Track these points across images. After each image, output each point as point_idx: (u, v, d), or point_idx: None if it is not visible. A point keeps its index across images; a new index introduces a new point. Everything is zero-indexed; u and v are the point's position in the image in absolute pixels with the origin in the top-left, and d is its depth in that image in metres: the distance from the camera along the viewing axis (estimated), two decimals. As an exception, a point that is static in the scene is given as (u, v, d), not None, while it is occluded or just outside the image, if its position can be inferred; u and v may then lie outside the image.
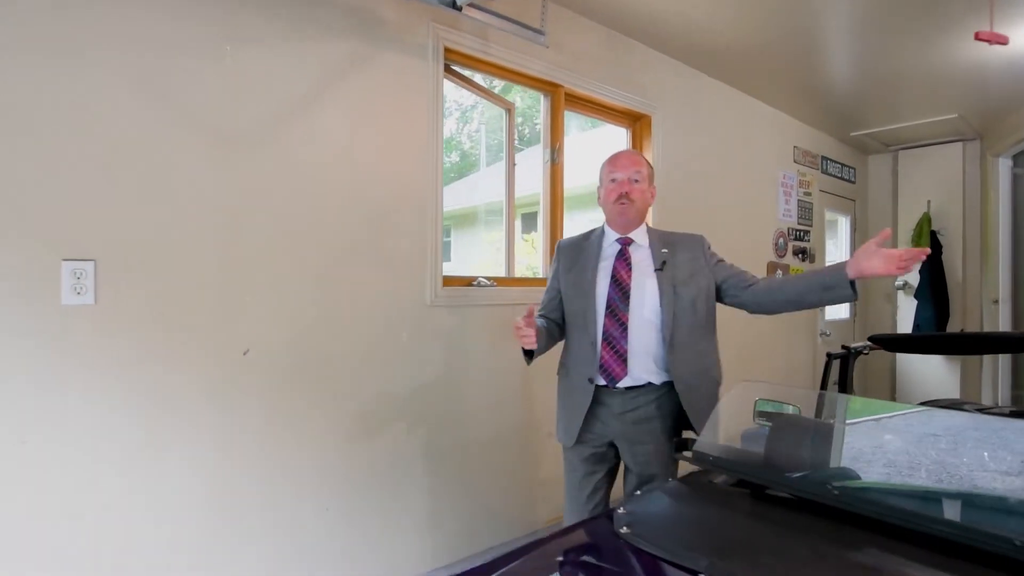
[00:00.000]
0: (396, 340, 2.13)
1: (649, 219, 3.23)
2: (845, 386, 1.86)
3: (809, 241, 4.67)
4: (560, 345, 1.88)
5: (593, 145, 4.35)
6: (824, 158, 4.94)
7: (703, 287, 1.76)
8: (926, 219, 5.12)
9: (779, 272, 4.28)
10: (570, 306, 1.81)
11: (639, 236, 1.81)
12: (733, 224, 3.86)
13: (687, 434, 1.66)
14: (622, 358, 1.71)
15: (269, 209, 1.83)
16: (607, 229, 1.86)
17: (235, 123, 1.77)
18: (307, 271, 1.91)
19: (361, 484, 2.04)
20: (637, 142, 3.22)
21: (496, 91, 2.89)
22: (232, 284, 1.76)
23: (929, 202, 5.14)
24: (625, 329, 1.71)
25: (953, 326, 5.02)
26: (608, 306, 1.73)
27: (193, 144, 1.69)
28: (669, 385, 1.70)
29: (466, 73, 2.53)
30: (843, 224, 5.40)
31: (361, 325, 2.03)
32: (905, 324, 5.28)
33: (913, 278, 5.20)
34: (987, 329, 4.92)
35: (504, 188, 2.72)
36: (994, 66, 3.55)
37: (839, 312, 5.30)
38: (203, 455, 1.71)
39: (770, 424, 1.32)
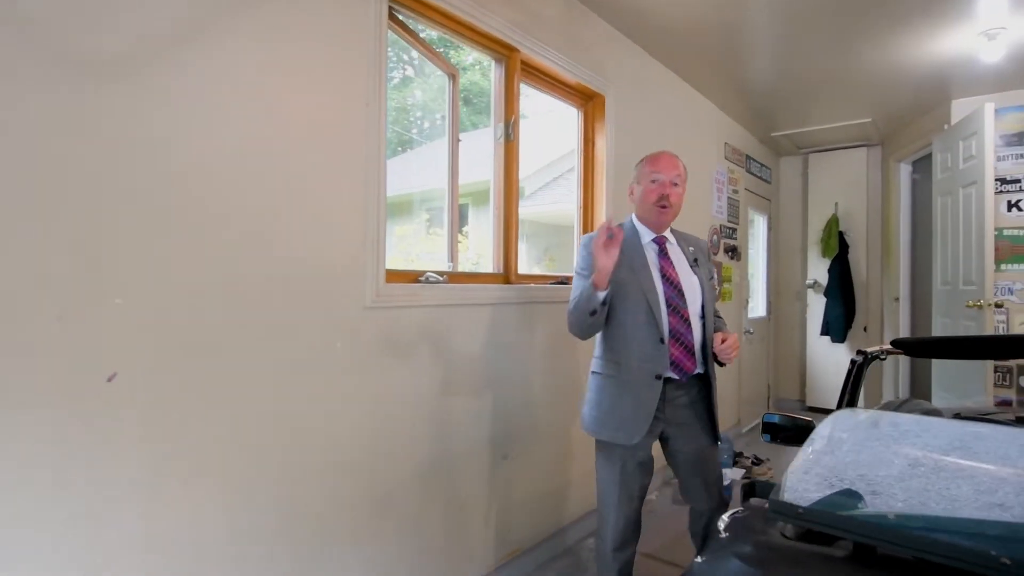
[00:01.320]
0: (327, 352, 1.64)
1: (602, 209, 2.96)
2: (855, 395, 1.67)
3: (736, 239, 4.65)
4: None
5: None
6: (748, 157, 4.96)
7: (712, 289, 1.94)
8: (834, 220, 5.32)
9: (714, 273, 4.19)
10: (626, 305, 1.81)
11: (669, 235, 1.94)
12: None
13: (735, 465, 1.35)
14: (691, 352, 1.80)
15: (147, 172, 1.28)
16: (639, 227, 1.92)
17: (97, 46, 1.20)
18: (201, 263, 1.38)
19: (287, 544, 1.54)
20: (589, 124, 2.92)
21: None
22: (91, 281, 1.20)
23: (837, 204, 5.35)
24: (689, 325, 1.81)
25: (858, 324, 5.27)
26: (669, 305, 1.81)
27: (36, 74, 1.11)
28: (700, 373, 1.85)
29: (411, 25, 2.07)
30: (760, 224, 5.49)
31: (280, 335, 1.52)
32: (815, 322, 5.47)
33: (823, 277, 5.39)
34: (887, 325, 5.21)
35: (447, 169, 2.28)
36: (902, 76, 3.64)
37: (758, 311, 5.38)
38: (57, 529, 1.14)
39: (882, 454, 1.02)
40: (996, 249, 3.52)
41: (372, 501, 1.77)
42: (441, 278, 1.98)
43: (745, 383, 4.80)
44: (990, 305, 3.41)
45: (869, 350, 1.65)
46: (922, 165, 4.97)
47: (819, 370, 5.45)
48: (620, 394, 1.81)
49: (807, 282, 5.55)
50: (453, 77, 2.32)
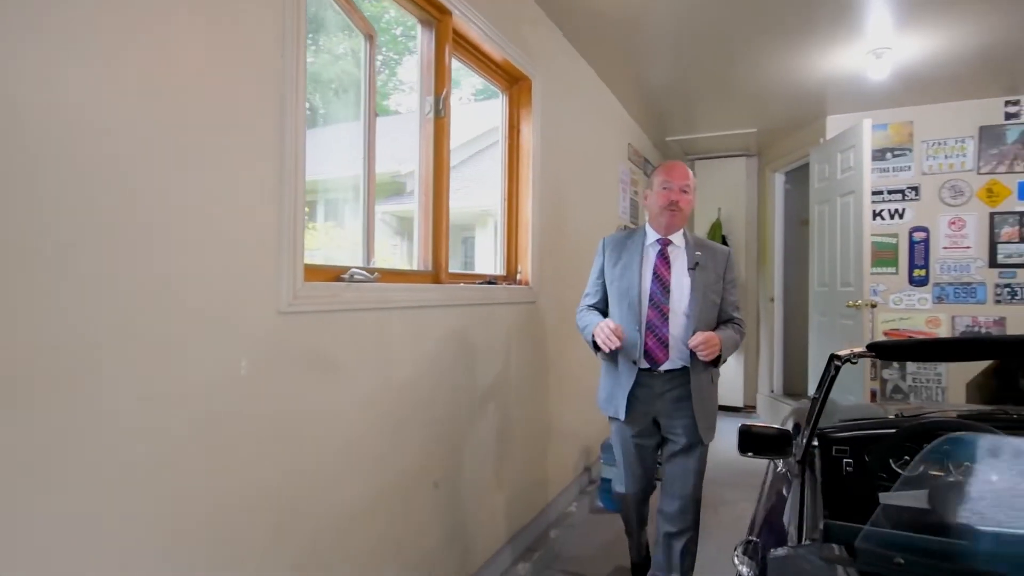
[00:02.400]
0: (226, 378, 1.22)
1: (528, 207, 2.73)
2: (825, 399, 1.60)
3: (636, 240, 4.68)
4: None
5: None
6: (646, 160, 5.03)
7: (717, 293, 2.05)
8: (718, 224, 5.60)
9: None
10: (617, 296, 2.07)
11: (677, 238, 2.07)
12: (588, 215, 3.57)
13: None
14: (664, 344, 2.00)
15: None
16: (648, 229, 2.11)
17: None
18: (32, 262, 0.92)
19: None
20: (514, 109, 2.67)
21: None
22: None
23: (720, 209, 5.63)
24: (666, 319, 2.00)
25: (739, 322, 5.58)
26: (651, 298, 2.01)
27: None
28: (684, 367, 2.02)
29: (326, -40, 1.68)
30: (653, 226, 5.62)
31: (152, 361, 1.09)
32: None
33: (707, 278, 5.64)
34: (763, 324, 5.58)
35: (362, 147, 1.91)
36: (790, 90, 3.86)
37: (652, 310, 5.49)
38: None
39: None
40: (867, 253, 3.84)
41: (293, 554, 1.37)
42: (371, 276, 1.62)
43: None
44: (867, 305, 3.70)
45: (841, 354, 1.59)
46: (794, 176, 5.38)
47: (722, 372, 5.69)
48: (608, 375, 2.13)
49: (693, 283, 5.78)
50: (370, 38, 1.95)
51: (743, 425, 1.57)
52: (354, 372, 1.58)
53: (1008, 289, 3.93)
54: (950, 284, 4.05)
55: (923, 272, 4.11)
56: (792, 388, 5.34)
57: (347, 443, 1.55)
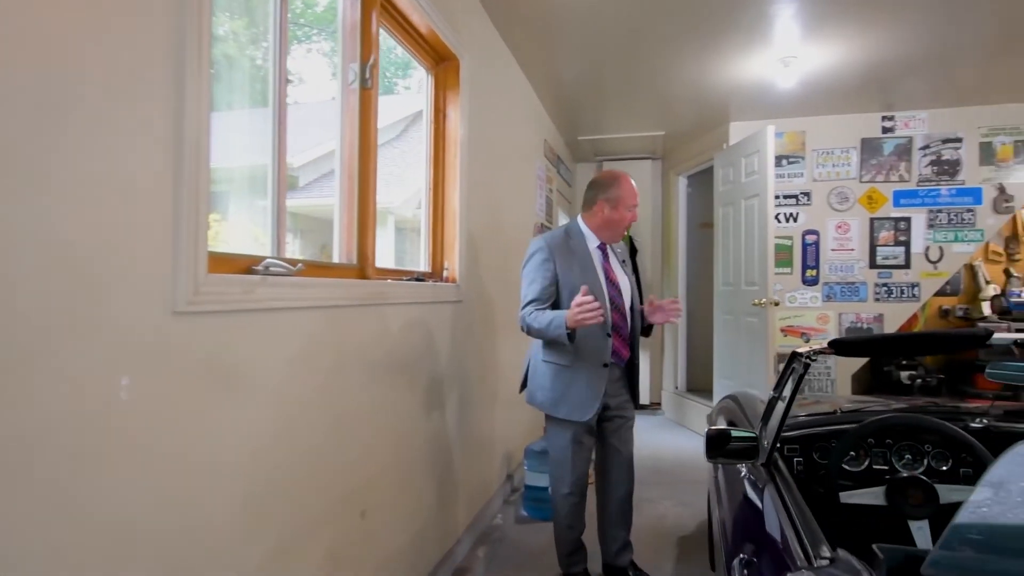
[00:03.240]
0: (103, 400, 0.90)
1: (456, 197, 2.51)
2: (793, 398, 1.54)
3: (551, 239, 4.61)
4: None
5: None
6: (559, 158, 4.98)
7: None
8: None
9: (539, 269, 4.05)
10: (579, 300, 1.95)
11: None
12: (511, 212, 3.42)
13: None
14: (627, 342, 2.16)
15: None
16: (585, 231, 2.20)
17: None
18: None
19: None
20: (440, 91, 2.44)
21: None
22: None
23: (627, 210, 5.72)
24: (626, 319, 2.15)
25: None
26: (612, 302, 2.10)
27: None
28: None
29: None
30: (564, 225, 5.60)
31: (12, 373, 0.76)
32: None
33: (615, 278, 5.71)
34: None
35: (271, 123, 1.60)
36: (700, 94, 3.98)
37: (563, 310, 5.45)
38: None
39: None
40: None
41: (182, 637, 1.06)
42: (291, 268, 1.32)
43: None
44: (771, 303, 3.87)
45: (801, 351, 1.55)
46: (696, 179, 5.59)
47: (612, 366, 5.76)
48: (574, 380, 2.10)
49: (602, 283, 5.83)
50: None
51: (711, 430, 1.47)
52: (268, 386, 1.28)
53: (885, 288, 4.30)
54: (837, 283, 4.37)
55: (814, 272, 4.39)
56: (695, 384, 5.54)
57: (257, 479, 1.26)
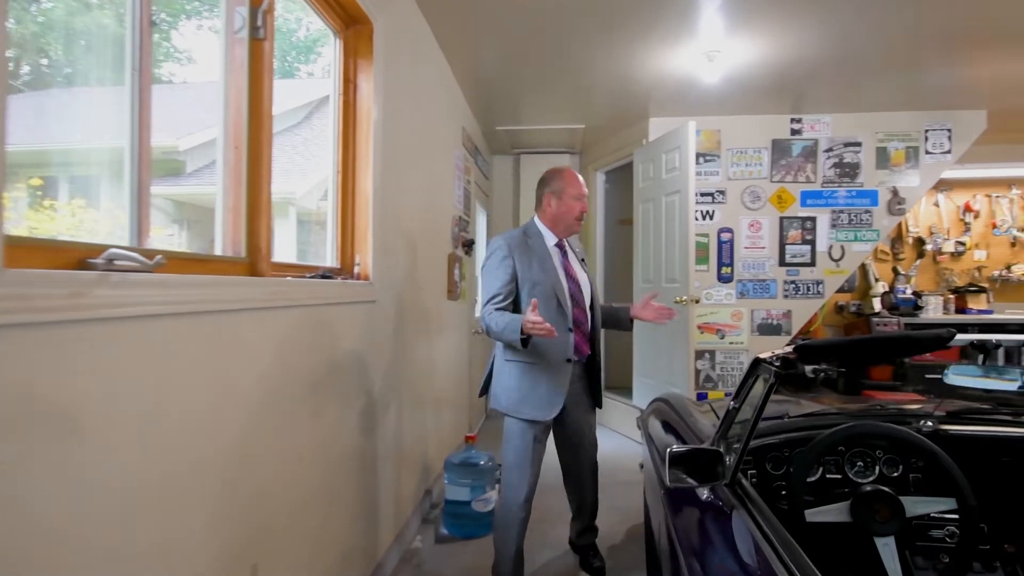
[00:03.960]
0: None
1: (368, 181, 2.19)
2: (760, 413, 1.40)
3: (469, 233, 4.35)
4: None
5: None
6: (476, 148, 4.72)
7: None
8: (543, 221, 5.54)
9: (457, 265, 3.77)
10: (540, 298, 1.99)
11: (564, 239, 2.24)
12: (428, 203, 3.13)
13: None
14: (587, 338, 2.21)
15: None
16: (543, 230, 2.22)
17: None
18: None
19: None
20: (351, 58, 2.11)
21: None
22: None
23: (545, 205, 5.57)
24: (586, 315, 2.21)
25: (563, 319, 5.59)
26: (572, 298, 2.14)
27: None
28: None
29: None
30: (482, 221, 5.35)
31: None
32: (526, 318, 5.59)
33: (533, 275, 5.55)
34: (584, 320, 5.67)
35: (128, 96, 1.22)
36: (624, 87, 3.89)
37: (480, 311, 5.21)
38: None
39: None
40: (688, 251, 4.01)
41: None
42: (146, 262, 0.97)
43: (472, 386, 4.55)
44: (693, 300, 3.85)
45: (764, 357, 1.40)
46: (614, 175, 5.54)
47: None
48: (538, 378, 2.10)
49: (519, 280, 5.65)
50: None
51: (673, 451, 1.29)
52: (113, 432, 0.93)
53: (793, 285, 4.43)
54: (750, 280, 4.45)
55: (729, 270, 4.45)
56: (614, 382, 5.50)
57: (92, 541, 0.91)
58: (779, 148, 4.42)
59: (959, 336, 1.35)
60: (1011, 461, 1.53)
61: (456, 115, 3.89)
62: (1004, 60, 3.43)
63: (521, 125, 4.83)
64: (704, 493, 1.38)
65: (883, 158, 4.36)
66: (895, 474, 1.58)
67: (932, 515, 1.47)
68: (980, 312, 5.04)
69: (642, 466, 2.83)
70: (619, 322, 2.41)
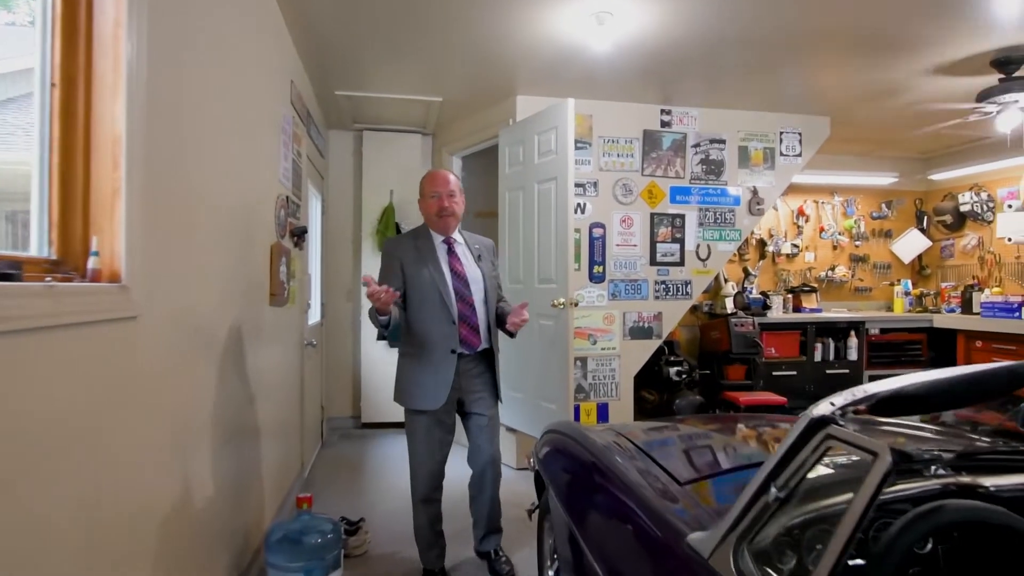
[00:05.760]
0: None
1: (119, 119, 1.26)
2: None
3: (300, 219, 3.41)
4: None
5: None
6: (309, 114, 3.78)
7: (495, 279, 2.44)
8: (391, 209, 4.75)
9: (284, 259, 2.84)
10: (422, 295, 2.25)
11: (457, 236, 2.39)
12: (241, 171, 2.21)
13: None
14: (476, 331, 2.31)
15: None
16: (431, 232, 2.36)
17: None
18: None
19: None
20: None
21: None
22: None
23: (392, 192, 4.78)
24: (474, 309, 2.31)
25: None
26: (457, 293, 2.28)
27: None
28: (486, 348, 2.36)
29: None
30: (316, 206, 4.38)
31: None
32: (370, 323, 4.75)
33: (377, 274, 4.72)
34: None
35: None
36: (474, 54, 3.31)
37: (314, 317, 4.25)
38: None
39: None
40: (564, 248, 3.53)
41: None
42: None
43: (305, 408, 3.61)
44: (572, 303, 3.37)
45: (825, 413, 0.85)
46: (472, 162, 4.93)
47: (376, 380, 4.76)
48: (423, 369, 2.25)
49: (362, 280, 4.78)
50: None
51: None
52: None
53: (664, 286, 4.20)
54: (622, 281, 4.13)
55: (601, 268, 4.09)
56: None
57: None
58: (650, 140, 4.16)
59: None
60: None
61: (284, 65, 2.97)
62: (844, 69, 3.50)
63: (365, 92, 3.99)
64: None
65: (744, 157, 4.32)
66: (923, 551, 1.15)
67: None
68: (812, 311, 5.34)
69: (533, 513, 2.26)
70: (501, 325, 2.41)
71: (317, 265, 4.40)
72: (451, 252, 2.33)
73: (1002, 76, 3.32)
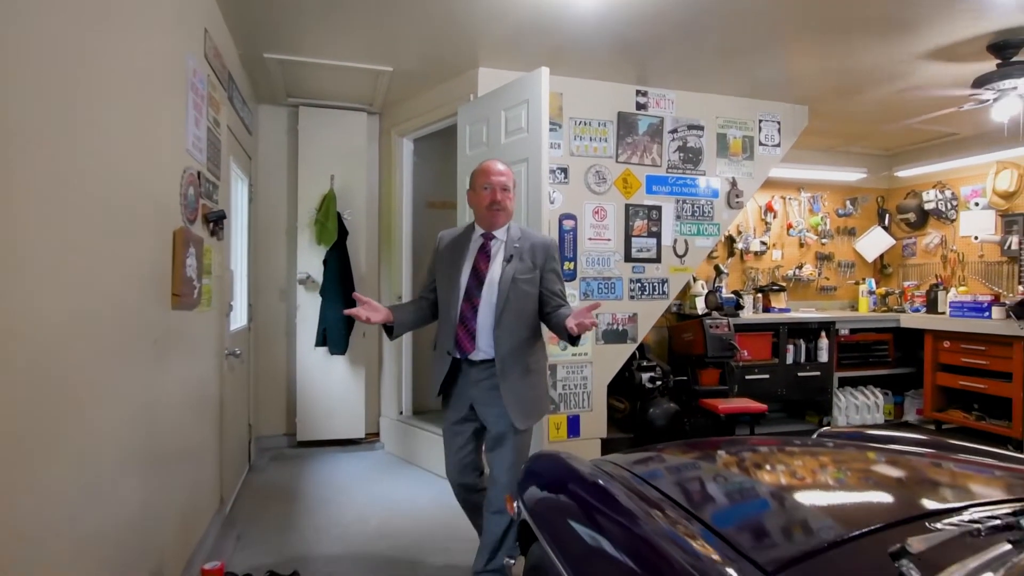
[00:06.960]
0: None
1: None
2: None
3: (218, 202, 2.80)
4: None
5: None
6: (232, 79, 3.16)
7: (533, 283, 2.18)
8: (332, 197, 4.15)
9: (193, 250, 2.24)
10: (441, 291, 2.25)
11: (500, 232, 2.23)
12: (119, 127, 1.63)
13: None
14: (471, 335, 2.15)
15: None
16: (476, 225, 2.27)
17: None
18: None
19: None
20: None
21: None
22: None
23: (333, 177, 4.19)
24: (476, 311, 2.15)
25: (359, 329, 4.25)
26: (466, 292, 2.17)
27: None
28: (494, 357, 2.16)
29: None
30: (241, 190, 3.74)
31: None
32: (308, 326, 4.16)
33: (317, 270, 4.14)
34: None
35: None
36: (428, 17, 2.84)
37: (240, 320, 3.62)
38: None
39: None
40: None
41: None
42: None
43: (225, 430, 3.00)
44: (546, 305, 2.92)
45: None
46: (424, 145, 4.40)
47: (314, 393, 4.16)
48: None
49: (298, 276, 4.17)
50: None
51: None
52: None
53: (639, 284, 3.83)
54: (595, 279, 3.72)
55: (572, 266, 3.66)
56: (423, 406, 4.37)
57: None
58: (625, 123, 3.76)
59: None
60: None
61: (193, 8, 2.36)
62: (827, 52, 3.23)
63: (301, 56, 3.40)
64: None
65: (723, 146, 4.00)
66: None
67: None
68: (781, 311, 5.12)
69: (512, 566, 1.82)
70: (562, 333, 2.09)
71: (243, 260, 3.76)
72: (483, 249, 2.21)
73: (1000, 61, 3.12)
